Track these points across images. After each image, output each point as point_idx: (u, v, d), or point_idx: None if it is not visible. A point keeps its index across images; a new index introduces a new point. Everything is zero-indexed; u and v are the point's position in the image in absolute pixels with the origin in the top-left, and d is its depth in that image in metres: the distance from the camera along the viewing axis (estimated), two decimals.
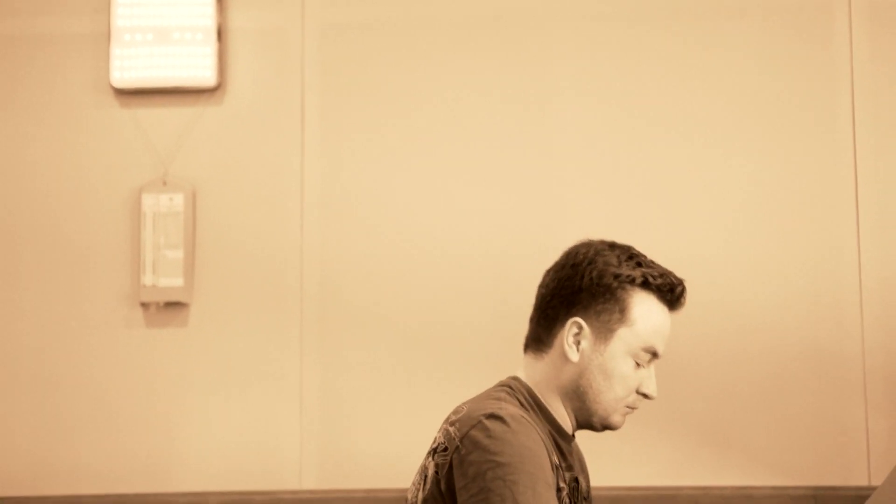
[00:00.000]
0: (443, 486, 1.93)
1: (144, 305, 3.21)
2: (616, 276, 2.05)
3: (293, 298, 3.19)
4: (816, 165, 3.12)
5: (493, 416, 1.91)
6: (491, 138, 3.20)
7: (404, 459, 2.70)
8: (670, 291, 2.08)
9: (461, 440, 1.91)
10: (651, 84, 3.18)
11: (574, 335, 2.05)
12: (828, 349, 3.04)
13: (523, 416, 1.95)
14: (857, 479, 2.92)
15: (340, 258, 3.21)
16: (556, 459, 2.02)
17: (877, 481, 2.89)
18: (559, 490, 2.00)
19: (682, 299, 2.11)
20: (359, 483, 3.10)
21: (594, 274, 2.05)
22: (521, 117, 3.20)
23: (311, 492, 3.11)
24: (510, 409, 1.96)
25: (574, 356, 2.05)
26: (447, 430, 1.97)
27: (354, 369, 3.17)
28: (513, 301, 3.07)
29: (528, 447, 1.89)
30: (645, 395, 2.09)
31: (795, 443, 3.02)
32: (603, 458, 3.01)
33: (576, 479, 2.09)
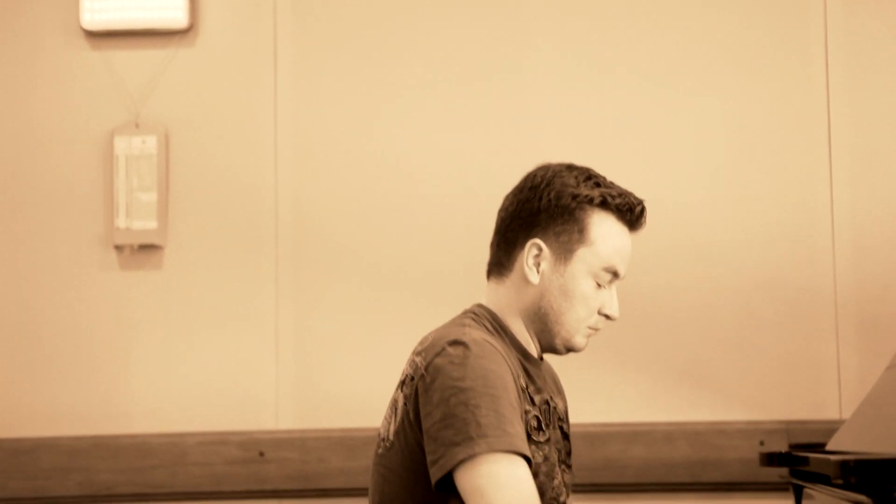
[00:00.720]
0: (411, 415, 1.94)
1: (118, 248, 3.20)
2: (574, 197, 2.05)
3: (268, 240, 3.19)
4: (789, 105, 3.13)
5: (456, 343, 1.93)
6: (465, 80, 3.20)
7: (381, 398, 2.69)
8: (629, 211, 2.09)
9: (426, 368, 1.93)
10: (625, 25, 3.18)
11: (534, 257, 2.06)
12: (800, 286, 3.06)
13: (487, 341, 1.96)
14: (829, 413, 2.95)
15: (315, 199, 3.20)
16: (523, 383, 2.03)
17: (847, 415, 2.92)
18: (526, 412, 2.01)
19: (642, 219, 2.11)
20: (336, 422, 3.11)
21: (552, 195, 2.05)
22: (496, 59, 3.19)
23: (288, 431, 3.12)
24: (474, 334, 1.96)
25: (534, 278, 2.06)
26: (413, 361, 1.99)
27: (330, 309, 3.17)
28: (487, 241, 3.08)
29: (492, 370, 1.90)
30: (607, 316, 2.10)
31: (768, 378, 3.05)
32: (578, 396, 3.02)
33: (548, 402, 2.10)
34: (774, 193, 3.10)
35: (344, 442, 3.08)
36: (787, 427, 2.95)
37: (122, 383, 3.18)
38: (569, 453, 2.18)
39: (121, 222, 3.20)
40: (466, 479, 1.83)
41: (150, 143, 3.21)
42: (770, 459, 2.52)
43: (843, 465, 1.62)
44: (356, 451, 3.06)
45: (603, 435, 3.03)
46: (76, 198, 3.23)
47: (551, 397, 2.12)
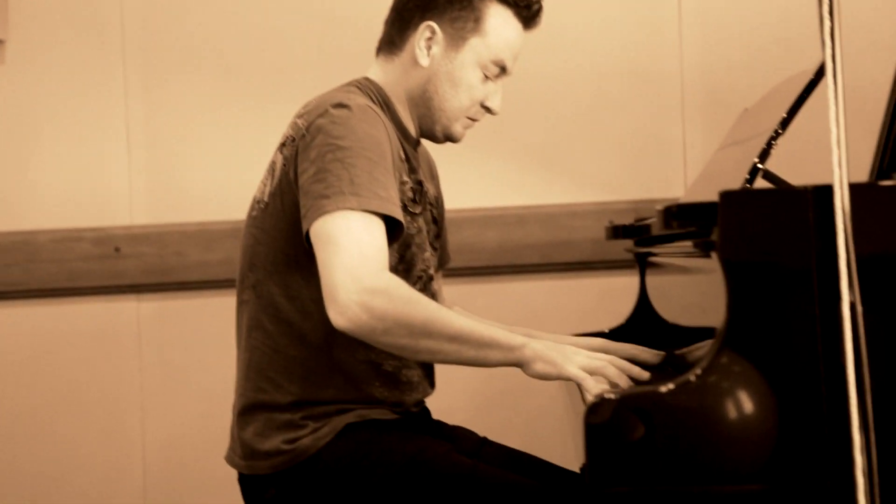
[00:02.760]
0: (291, 175, 1.95)
1: None
2: None
3: (114, 32, 3.11)
4: None
5: (340, 105, 1.94)
6: None
7: (237, 190, 2.70)
8: (527, 8, 2.12)
9: (307, 129, 1.93)
10: None
11: (426, 39, 2.08)
12: (647, 68, 3.10)
13: (370, 107, 1.98)
14: (675, 192, 3.04)
15: None
16: (402, 155, 2.06)
17: None
18: (403, 183, 2.04)
19: (538, 18, 2.15)
20: (191, 216, 3.10)
21: None
22: None
23: (143, 227, 3.10)
24: (359, 99, 1.98)
25: (424, 60, 2.08)
26: (295, 123, 1.99)
27: (182, 102, 3.12)
28: (349, 30, 3.06)
29: (372, 135, 1.92)
30: (488, 109, 2.14)
31: (617, 160, 3.12)
32: None
33: (420, 183, 2.13)
34: None
35: (201, 235, 3.07)
36: (636, 206, 3.03)
37: None
38: (437, 236, 2.23)
39: None
40: (323, 227, 1.84)
41: None
42: (615, 232, 2.61)
43: (667, 210, 1.69)
44: (214, 243, 3.06)
45: (457, 220, 3.07)
46: None
47: (424, 181, 2.16)
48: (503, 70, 2.12)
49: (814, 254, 1.59)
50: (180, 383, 3.12)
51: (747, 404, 1.59)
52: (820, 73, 1.77)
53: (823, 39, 1.44)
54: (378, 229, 1.87)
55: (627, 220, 2.74)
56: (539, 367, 1.84)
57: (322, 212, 1.84)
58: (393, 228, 1.92)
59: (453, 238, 3.06)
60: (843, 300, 1.48)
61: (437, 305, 1.87)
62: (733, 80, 3.04)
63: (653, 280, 2.65)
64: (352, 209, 1.83)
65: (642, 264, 2.66)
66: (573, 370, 1.83)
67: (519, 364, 1.85)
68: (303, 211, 1.89)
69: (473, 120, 2.15)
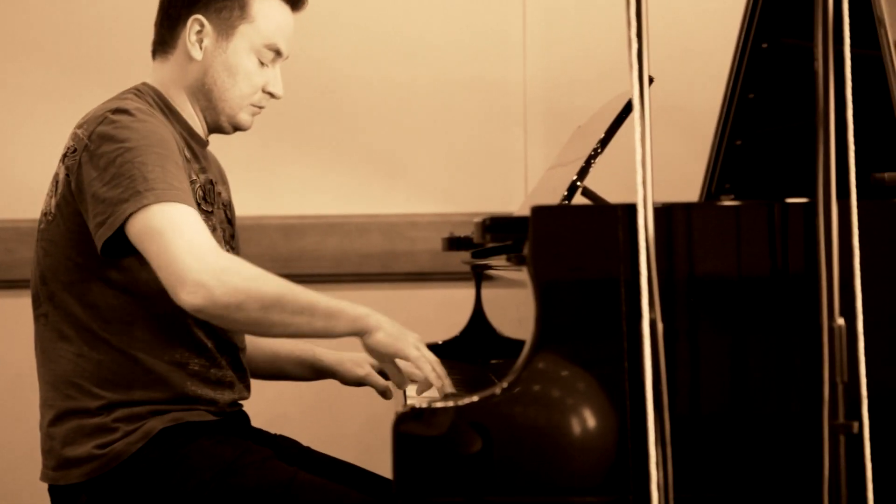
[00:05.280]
0: (73, 186, 1.94)
1: None
2: None
3: None
4: None
5: (118, 111, 1.95)
6: None
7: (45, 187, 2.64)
8: None
9: (89, 138, 1.94)
10: None
11: (196, 33, 2.08)
12: (491, 80, 3.12)
13: (149, 110, 1.98)
14: (515, 205, 3.05)
15: None
16: (188, 155, 2.06)
17: None
18: (193, 182, 2.03)
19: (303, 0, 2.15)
20: (22, 213, 3.00)
21: None
22: None
23: None
24: (136, 103, 1.99)
25: (197, 54, 2.08)
26: (76, 134, 1.99)
27: (6, 95, 3.05)
28: None
29: (156, 132, 1.94)
30: (271, 94, 2.15)
31: (459, 171, 3.13)
32: (274, 188, 3.06)
33: (212, 182, 2.13)
34: None
35: (32, 233, 2.97)
36: (476, 218, 3.04)
37: None
38: (232, 236, 2.22)
39: None
40: (138, 226, 1.85)
41: None
42: (451, 244, 2.61)
43: (482, 223, 1.72)
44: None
45: (299, 227, 3.06)
46: None
47: (216, 182, 2.15)
48: (278, 53, 2.13)
49: (622, 269, 1.62)
50: (5, 384, 3.03)
51: (553, 417, 1.61)
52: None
53: (630, 61, 1.46)
54: (192, 213, 1.87)
55: (467, 231, 2.75)
56: (380, 336, 1.88)
57: (124, 215, 1.85)
58: None
59: (293, 245, 3.06)
60: (644, 317, 1.50)
61: (284, 280, 1.89)
62: (575, 96, 3.07)
63: (490, 293, 2.66)
64: (152, 203, 1.83)
65: (478, 277, 2.68)
66: (412, 351, 1.88)
67: (363, 332, 1.88)
68: (100, 218, 1.88)
69: (259, 107, 2.16)
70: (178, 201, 1.86)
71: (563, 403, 1.61)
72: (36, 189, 2.97)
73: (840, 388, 1.49)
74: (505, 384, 1.61)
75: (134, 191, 1.85)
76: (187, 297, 1.80)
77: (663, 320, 1.48)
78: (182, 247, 1.81)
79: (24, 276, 2.93)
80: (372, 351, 1.90)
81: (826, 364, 1.49)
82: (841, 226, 1.52)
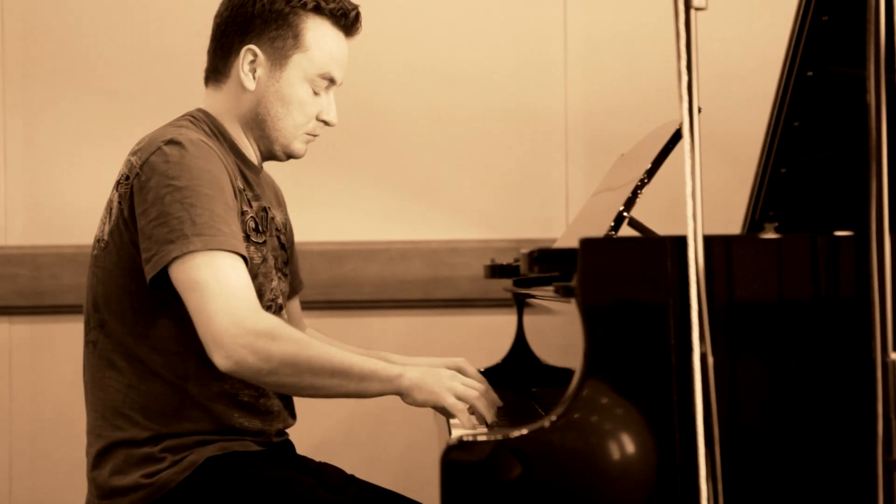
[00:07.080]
0: (126, 214, 1.95)
1: None
2: (288, 2, 2.07)
3: None
4: None
5: (172, 142, 1.93)
6: None
7: (88, 213, 2.66)
8: (343, 16, 2.11)
9: (141, 167, 1.93)
10: None
11: (249, 63, 2.07)
12: (532, 107, 3.13)
13: (203, 141, 1.97)
14: (556, 232, 3.06)
15: (43, 5, 3.07)
16: (240, 185, 2.05)
17: None
18: (244, 213, 2.03)
19: (357, 24, 2.14)
20: (68, 238, 3.04)
21: (266, 0, 2.05)
22: None
23: (18, 247, 3.04)
24: (190, 134, 1.97)
25: (250, 84, 2.07)
26: (129, 161, 1.98)
27: (61, 122, 3.07)
28: None
29: (207, 170, 1.92)
30: (325, 122, 2.14)
31: (500, 198, 3.13)
32: (316, 214, 3.06)
33: (265, 209, 2.12)
34: (509, 15, 3.13)
35: (77, 258, 3.01)
36: (517, 245, 3.04)
37: None
38: (286, 262, 2.21)
39: None
40: (182, 273, 1.85)
41: None
42: (493, 271, 2.61)
43: (530, 255, 1.71)
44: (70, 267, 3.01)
45: (340, 253, 3.07)
46: None
47: (269, 207, 2.15)
48: (332, 81, 2.12)
49: (671, 302, 1.61)
50: (51, 409, 3.05)
51: (602, 450, 1.60)
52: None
53: (681, 93, 1.46)
54: (239, 265, 1.87)
55: (509, 258, 2.75)
56: (418, 395, 1.89)
57: (169, 258, 1.85)
58: None
59: (335, 271, 3.06)
60: (695, 351, 1.49)
61: (318, 342, 1.90)
62: (616, 124, 3.08)
63: (532, 320, 2.65)
64: (198, 251, 1.83)
65: (520, 304, 2.67)
66: (451, 401, 1.89)
67: (397, 393, 1.90)
68: (147, 255, 1.88)
69: (313, 136, 2.15)
70: (223, 248, 1.86)
71: (612, 436, 1.60)
72: (79, 214, 3.03)
73: (894, 423, 1.48)
74: (553, 416, 1.60)
75: (181, 233, 1.85)
76: (221, 360, 1.83)
77: (712, 353, 1.48)
78: (221, 306, 1.82)
79: (68, 301, 3.00)
80: (414, 406, 1.92)
81: (880, 399, 1.47)
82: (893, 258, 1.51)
